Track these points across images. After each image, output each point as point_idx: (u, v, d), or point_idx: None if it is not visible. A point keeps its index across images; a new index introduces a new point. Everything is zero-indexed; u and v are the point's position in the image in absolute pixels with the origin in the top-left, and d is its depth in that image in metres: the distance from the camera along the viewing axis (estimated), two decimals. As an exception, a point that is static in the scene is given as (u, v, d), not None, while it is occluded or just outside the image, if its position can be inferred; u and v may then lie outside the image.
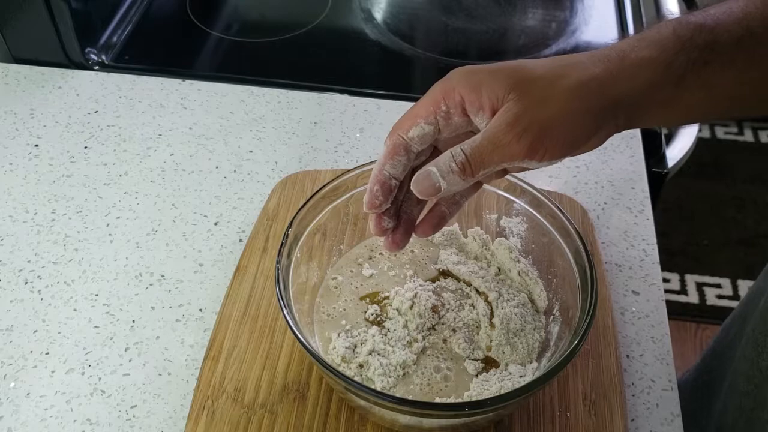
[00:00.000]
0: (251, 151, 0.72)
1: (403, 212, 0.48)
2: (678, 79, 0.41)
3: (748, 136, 1.96)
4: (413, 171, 0.45)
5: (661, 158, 0.74)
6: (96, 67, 0.82)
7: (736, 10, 0.41)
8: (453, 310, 0.54)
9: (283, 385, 0.52)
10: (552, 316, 0.53)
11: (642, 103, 0.42)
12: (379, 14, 0.92)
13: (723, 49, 0.41)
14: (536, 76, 0.41)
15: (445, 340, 0.52)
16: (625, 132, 0.76)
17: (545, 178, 0.68)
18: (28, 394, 0.53)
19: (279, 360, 0.53)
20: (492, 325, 0.52)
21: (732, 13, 0.41)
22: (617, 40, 0.44)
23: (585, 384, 0.52)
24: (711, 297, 1.62)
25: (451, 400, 0.49)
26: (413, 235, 0.49)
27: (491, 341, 0.52)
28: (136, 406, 0.52)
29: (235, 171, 0.70)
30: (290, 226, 0.51)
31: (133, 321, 0.58)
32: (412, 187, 0.43)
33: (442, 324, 0.53)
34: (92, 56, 0.82)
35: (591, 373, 0.53)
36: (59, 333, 0.57)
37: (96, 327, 0.57)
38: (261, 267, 0.59)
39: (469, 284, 0.56)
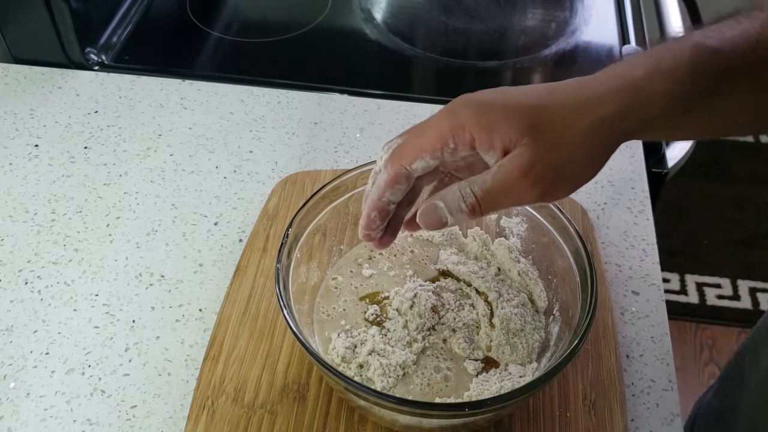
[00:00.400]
0: (251, 151, 0.72)
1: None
2: (687, 108, 0.40)
3: (748, 136, 1.96)
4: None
5: (661, 158, 0.74)
6: (96, 67, 0.82)
7: (751, 33, 0.40)
8: (453, 310, 0.54)
9: (283, 385, 0.52)
10: (552, 316, 0.53)
11: (648, 130, 0.42)
12: (379, 14, 0.92)
13: (732, 77, 0.40)
14: (550, 117, 0.40)
15: (445, 340, 0.52)
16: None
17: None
18: (28, 394, 0.53)
19: (279, 360, 0.53)
20: (492, 325, 0.52)
21: (748, 37, 0.40)
22: (634, 56, 0.42)
23: (585, 384, 0.52)
24: (711, 297, 1.62)
25: (451, 400, 0.49)
26: (412, 235, 0.48)
27: (491, 341, 0.52)
28: (136, 406, 0.52)
29: (235, 171, 0.70)
30: (290, 226, 0.51)
31: (133, 321, 0.58)
32: (418, 220, 0.43)
33: (442, 324, 0.53)
34: (92, 56, 0.82)
35: (591, 373, 0.53)
36: (59, 333, 0.57)
37: (96, 327, 0.57)
38: (261, 267, 0.59)
39: (469, 284, 0.56)
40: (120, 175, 0.69)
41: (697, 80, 0.40)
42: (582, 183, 0.41)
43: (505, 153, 0.40)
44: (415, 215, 0.47)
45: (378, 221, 0.45)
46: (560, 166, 0.39)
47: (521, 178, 0.39)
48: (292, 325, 0.46)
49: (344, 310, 0.54)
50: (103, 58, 0.83)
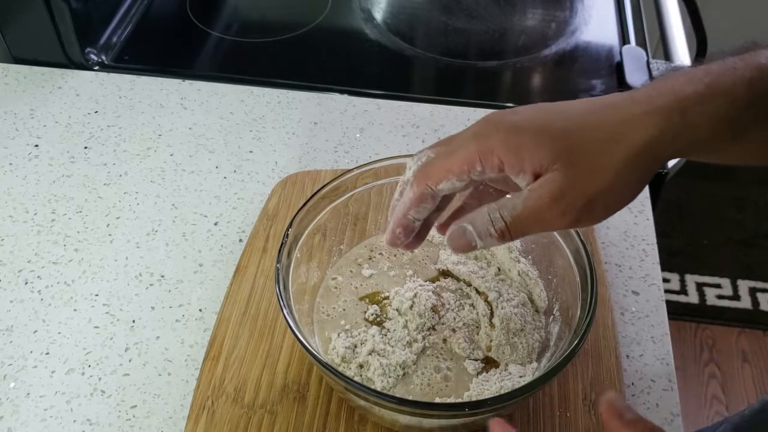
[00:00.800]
0: (251, 151, 0.72)
1: None
2: (739, 134, 0.38)
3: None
4: None
5: (661, 158, 0.74)
6: (96, 67, 0.81)
7: None
8: (453, 310, 0.54)
9: (283, 385, 0.52)
10: (552, 316, 0.53)
11: (690, 153, 0.39)
12: (379, 14, 0.92)
13: None
14: (585, 142, 0.37)
15: (445, 340, 0.52)
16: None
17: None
18: (28, 394, 0.53)
19: (279, 360, 0.53)
20: (492, 325, 0.52)
21: None
22: (684, 71, 0.38)
23: (585, 384, 0.52)
24: (711, 297, 1.62)
25: (451, 400, 0.49)
26: None
27: (491, 341, 0.52)
28: (136, 406, 0.52)
29: (235, 171, 0.70)
30: (290, 226, 0.51)
31: (133, 321, 0.58)
32: (446, 242, 0.42)
33: (442, 324, 0.53)
34: (92, 56, 0.82)
35: (591, 373, 0.53)
36: (59, 333, 0.57)
37: (96, 327, 0.57)
38: (261, 267, 0.59)
39: (469, 284, 0.56)
40: (120, 175, 0.69)
41: (754, 105, 0.37)
42: (617, 209, 0.39)
43: (536, 177, 0.38)
44: (448, 220, 0.46)
45: (402, 237, 0.45)
46: (594, 194, 0.37)
47: (552, 204, 0.37)
48: (292, 325, 0.46)
49: (344, 310, 0.54)
50: (103, 58, 0.83)
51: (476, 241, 0.41)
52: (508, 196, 0.41)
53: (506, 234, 0.40)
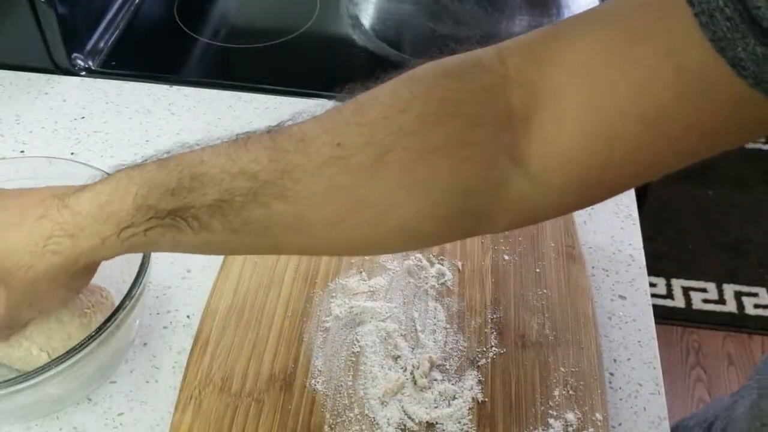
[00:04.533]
0: (239, 157, 0.72)
1: None
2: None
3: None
4: None
5: (647, 163, 0.75)
6: (83, 73, 0.81)
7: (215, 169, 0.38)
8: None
9: (270, 374, 0.52)
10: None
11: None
12: (366, 20, 0.93)
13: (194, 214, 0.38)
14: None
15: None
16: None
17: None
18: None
19: (265, 350, 0.54)
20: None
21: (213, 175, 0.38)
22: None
23: (567, 369, 0.53)
24: (697, 301, 1.63)
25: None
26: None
27: None
28: (122, 413, 0.52)
29: (222, 177, 0.70)
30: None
31: (120, 328, 0.57)
32: None
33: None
34: (79, 62, 0.82)
35: (572, 360, 0.53)
36: (45, 340, 0.56)
37: (82, 334, 0.57)
38: (247, 260, 0.59)
39: None
40: (107, 181, 0.69)
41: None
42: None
43: None
44: None
45: None
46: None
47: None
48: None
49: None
50: (90, 63, 0.82)
51: None
52: None
53: None
